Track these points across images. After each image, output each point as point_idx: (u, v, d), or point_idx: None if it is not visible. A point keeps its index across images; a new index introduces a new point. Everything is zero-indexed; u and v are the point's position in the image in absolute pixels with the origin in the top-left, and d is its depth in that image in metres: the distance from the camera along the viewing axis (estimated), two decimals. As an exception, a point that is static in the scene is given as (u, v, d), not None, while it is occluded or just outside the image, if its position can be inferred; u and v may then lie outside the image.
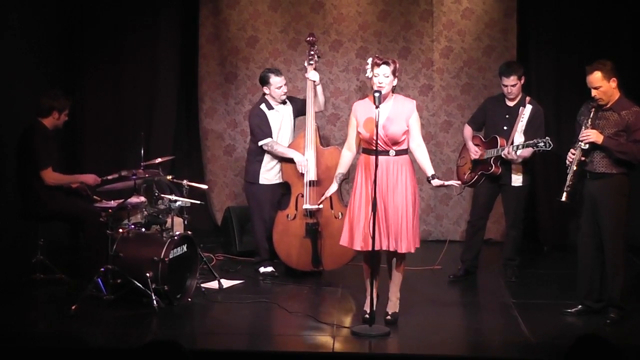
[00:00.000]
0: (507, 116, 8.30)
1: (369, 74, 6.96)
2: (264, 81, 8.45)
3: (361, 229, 6.93)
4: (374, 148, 6.82)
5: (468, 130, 8.55)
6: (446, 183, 7.11)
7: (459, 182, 7.55)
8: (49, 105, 8.06)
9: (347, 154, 7.20)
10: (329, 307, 7.67)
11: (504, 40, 10.04)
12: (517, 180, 8.28)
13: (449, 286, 8.37)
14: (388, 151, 6.91)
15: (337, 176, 7.25)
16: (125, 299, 7.35)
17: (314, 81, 8.37)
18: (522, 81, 8.31)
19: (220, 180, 10.44)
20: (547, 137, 7.85)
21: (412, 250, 6.97)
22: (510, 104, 8.33)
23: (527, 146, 7.97)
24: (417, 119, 7.01)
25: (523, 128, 8.23)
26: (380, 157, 6.83)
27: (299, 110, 8.54)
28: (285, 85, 8.48)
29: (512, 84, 8.22)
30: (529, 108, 8.27)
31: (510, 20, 10.03)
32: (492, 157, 8.21)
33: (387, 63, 6.88)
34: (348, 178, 8.12)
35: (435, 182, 7.00)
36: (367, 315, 6.91)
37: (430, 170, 7.02)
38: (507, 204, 8.42)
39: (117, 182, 8.00)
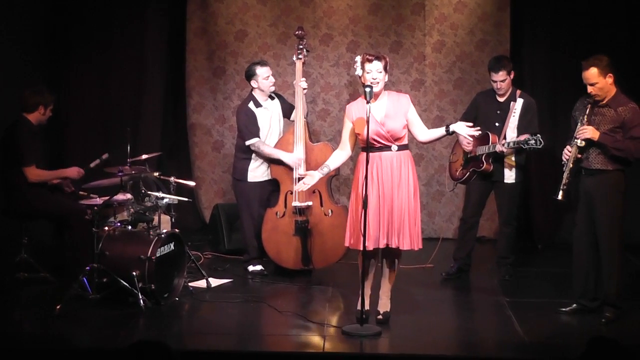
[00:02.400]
0: (498, 112, 8.23)
1: (358, 71, 6.86)
2: (250, 75, 8.34)
3: (369, 228, 6.79)
4: (374, 145, 6.77)
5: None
6: (465, 132, 6.91)
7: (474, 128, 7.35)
8: (35, 100, 8.02)
9: (340, 153, 7.09)
10: (319, 306, 7.59)
11: (497, 34, 9.98)
12: (510, 177, 8.21)
13: (442, 285, 8.30)
14: (390, 147, 6.83)
15: (323, 167, 7.09)
16: (111, 299, 7.27)
17: (304, 88, 8.27)
18: (512, 76, 8.22)
19: (208, 177, 10.36)
20: (537, 135, 7.77)
21: (415, 249, 6.92)
22: (501, 99, 8.25)
23: (518, 144, 7.86)
24: (414, 111, 6.95)
25: (516, 123, 8.15)
26: (383, 154, 6.81)
27: (285, 112, 8.43)
28: (272, 75, 8.37)
29: (501, 79, 8.14)
30: (520, 102, 8.19)
31: (503, 13, 9.97)
32: (483, 154, 8.13)
33: (379, 58, 6.81)
34: (339, 174, 8.02)
35: (454, 126, 6.88)
36: (364, 316, 6.80)
37: (442, 129, 6.93)
38: (501, 201, 8.35)
39: (103, 177, 7.90)
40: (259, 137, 8.27)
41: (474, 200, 8.41)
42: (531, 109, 8.20)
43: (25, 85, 8.31)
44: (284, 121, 8.51)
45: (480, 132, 7.42)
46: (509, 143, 7.98)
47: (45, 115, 8.10)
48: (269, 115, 8.35)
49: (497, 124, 8.20)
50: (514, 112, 8.16)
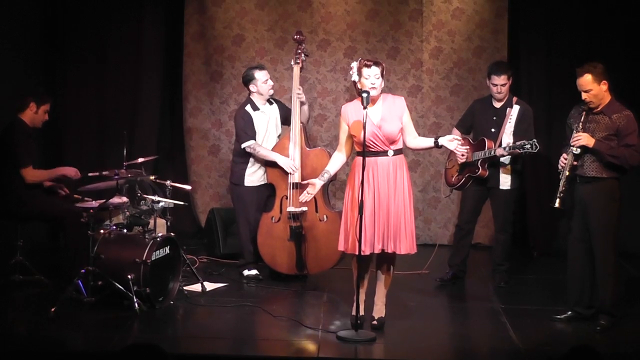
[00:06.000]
0: (494, 118, 8.24)
1: (355, 77, 6.85)
2: (249, 79, 8.34)
3: (365, 233, 6.78)
4: (371, 149, 6.78)
5: (456, 135, 8.44)
6: (453, 147, 6.93)
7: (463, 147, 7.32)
8: (26, 98, 8.02)
9: (339, 156, 7.07)
10: (314, 311, 7.56)
11: (495, 41, 9.98)
12: (505, 183, 8.20)
13: (437, 291, 8.29)
14: (386, 151, 6.83)
15: (324, 173, 7.08)
16: (106, 302, 7.26)
17: (302, 102, 8.26)
18: (510, 82, 8.22)
19: (204, 181, 10.35)
20: (534, 140, 7.78)
21: (411, 252, 6.91)
22: (498, 105, 8.26)
23: (514, 148, 7.87)
24: (408, 115, 6.96)
25: (512, 129, 8.15)
26: (379, 159, 6.81)
27: (284, 117, 8.42)
28: (270, 79, 8.35)
29: (502, 83, 8.15)
30: (516, 108, 8.20)
31: (501, 20, 9.98)
32: (479, 160, 8.12)
33: (377, 64, 6.81)
34: (335, 180, 8.01)
35: (442, 140, 6.90)
36: (358, 321, 6.79)
37: (432, 140, 6.95)
38: (496, 208, 8.35)
39: (98, 182, 7.89)
40: (255, 139, 8.26)
41: (469, 206, 8.41)
42: (527, 116, 8.21)
43: (21, 88, 8.30)
44: (282, 127, 8.50)
45: (467, 148, 7.45)
46: (505, 147, 7.98)
47: (38, 114, 8.08)
48: (266, 119, 8.34)
49: (492, 130, 8.20)
50: (510, 118, 8.16)
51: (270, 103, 8.42)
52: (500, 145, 8.08)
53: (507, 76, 8.16)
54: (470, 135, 8.47)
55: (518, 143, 7.87)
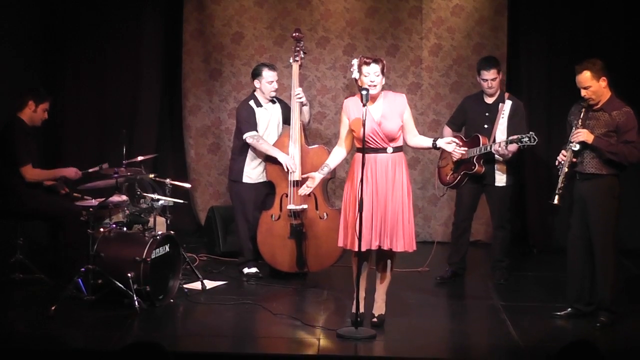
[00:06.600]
0: (487, 114, 8.23)
1: (355, 74, 6.84)
2: (256, 74, 8.34)
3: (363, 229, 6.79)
4: (370, 146, 6.78)
5: (447, 132, 8.46)
6: (451, 149, 6.95)
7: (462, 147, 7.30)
8: (25, 97, 8.03)
9: (339, 151, 7.06)
10: (314, 309, 7.58)
11: (494, 38, 9.98)
12: (500, 180, 8.20)
13: (436, 288, 8.29)
14: (385, 148, 6.83)
15: (323, 167, 7.07)
16: (106, 300, 7.26)
17: (302, 101, 8.24)
18: (501, 76, 8.22)
19: (204, 179, 10.34)
20: (531, 132, 7.76)
21: (410, 250, 6.90)
22: (490, 100, 8.25)
23: (512, 142, 7.86)
24: (409, 113, 6.95)
25: (505, 125, 8.15)
26: (378, 155, 6.82)
27: (285, 117, 8.41)
28: (276, 82, 8.35)
29: (492, 78, 8.15)
30: (508, 104, 8.20)
31: (501, 17, 9.97)
32: (474, 156, 8.11)
33: (377, 61, 6.79)
34: (334, 177, 7.99)
35: (440, 142, 6.90)
36: (358, 319, 6.79)
37: (430, 140, 6.95)
38: (492, 205, 8.36)
39: (98, 179, 7.91)
40: (257, 131, 8.26)
41: (465, 204, 8.40)
42: (519, 111, 8.21)
43: (21, 87, 8.30)
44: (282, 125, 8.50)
45: (465, 150, 7.46)
46: (500, 143, 7.96)
47: (37, 112, 8.07)
48: (267, 116, 8.33)
49: (486, 126, 8.19)
50: (503, 114, 8.16)
51: (274, 102, 8.42)
52: (494, 141, 8.07)
53: (497, 70, 8.16)
54: (462, 132, 8.45)
55: (515, 137, 7.84)
